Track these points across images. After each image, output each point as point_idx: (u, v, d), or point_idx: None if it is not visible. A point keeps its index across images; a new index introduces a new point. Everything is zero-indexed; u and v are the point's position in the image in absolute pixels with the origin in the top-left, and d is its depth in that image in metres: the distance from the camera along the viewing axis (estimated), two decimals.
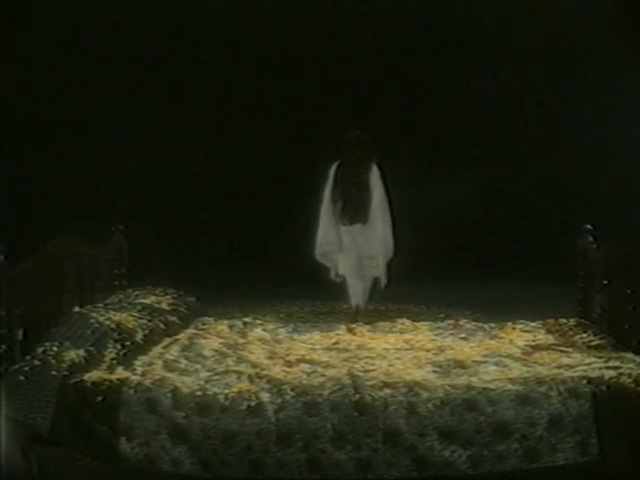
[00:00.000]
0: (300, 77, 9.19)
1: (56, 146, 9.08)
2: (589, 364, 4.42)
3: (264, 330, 5.56)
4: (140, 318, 5.02)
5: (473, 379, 4.27)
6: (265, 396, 4.10)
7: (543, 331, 5.39)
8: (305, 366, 4.58)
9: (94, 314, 4.85)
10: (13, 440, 4.02)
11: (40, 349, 4.35)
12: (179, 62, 9.36)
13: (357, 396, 4.07)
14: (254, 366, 4.52)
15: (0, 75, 8.30)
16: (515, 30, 9.19)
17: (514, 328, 5.47)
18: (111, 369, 4.37)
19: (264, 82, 9.31)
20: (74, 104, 9.13)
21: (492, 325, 5.58)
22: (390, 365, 4.59)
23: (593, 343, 4.92)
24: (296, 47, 9.21)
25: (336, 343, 5.20)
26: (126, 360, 4.52)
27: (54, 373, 4.16)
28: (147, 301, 5.41)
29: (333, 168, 7.21)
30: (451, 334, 5.40)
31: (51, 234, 5.11)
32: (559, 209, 8.99)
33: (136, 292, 5.62)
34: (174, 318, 5.37)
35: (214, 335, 5.29)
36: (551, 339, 5.18)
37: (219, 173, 9.45)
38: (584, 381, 4.12)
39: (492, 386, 4.13)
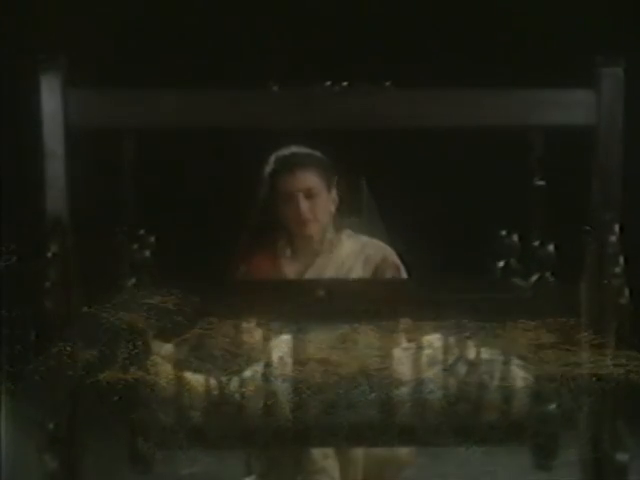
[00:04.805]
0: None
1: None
2: (595, 362, 4.49)
3: (269, 330, 5.56)
4: (149, 318, 5.00)
5: (485, 377, 4.33)
6: (282, 395, 4.13)
7: (544, 330, 5.44)
8: (316, 365, 4.61)
9: (104, 314, 4.83)
10: (29, 441, 4.01)
11: (54, 349, 4.33)
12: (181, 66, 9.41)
13: (373, 394, 4.13)
14: (267, 365, 4.53)
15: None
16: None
17: (515, 327, 5.52)
18: (124, 369, 4.36)
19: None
20: None
21: (493, 324, 5.63)
22: (401, 364, 4.63)
23: (595, 342, 4.97)
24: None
25: (343, 342, 5.23)
26: (138, 360, 4.51)
27: (70, 373, 4.16)
28: (153, 301, 5.38)
29: None
30: (454, 333, 5.44)
31: (55, 234, 5.08)
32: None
33: (140, 292, 5.60)
34: (180, 318, 5.36)
35: (220, 335, 5.28)
36: (553, 338, 5.24)
37: (219, 176, 9.50)
38: (594, 378, 4.21)
39: (505, 384, 4.20)
